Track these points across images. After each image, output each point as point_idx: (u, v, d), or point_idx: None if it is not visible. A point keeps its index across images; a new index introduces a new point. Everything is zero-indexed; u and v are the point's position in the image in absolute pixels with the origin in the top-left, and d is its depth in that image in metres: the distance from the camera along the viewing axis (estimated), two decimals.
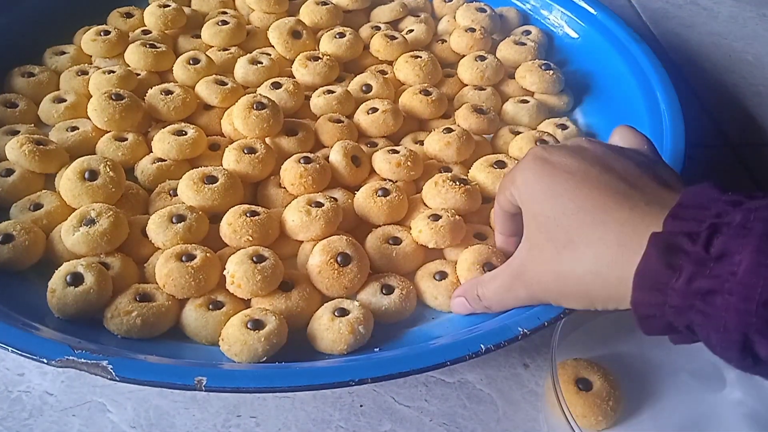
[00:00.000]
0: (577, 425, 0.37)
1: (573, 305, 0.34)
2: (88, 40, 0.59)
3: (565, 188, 0.33)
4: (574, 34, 0.68)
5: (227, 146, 0.50)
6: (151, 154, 0.51)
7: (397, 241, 0.46)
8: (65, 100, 0.54)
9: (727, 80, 0.76)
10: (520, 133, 0.56)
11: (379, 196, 0.47)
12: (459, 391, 0.44)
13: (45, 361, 0.34)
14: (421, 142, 0.55)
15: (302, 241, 0.46)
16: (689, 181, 0.32)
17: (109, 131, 0.52)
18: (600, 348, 0.45)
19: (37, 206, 0.46)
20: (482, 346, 0.37)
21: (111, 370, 0.34)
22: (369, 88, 0.59)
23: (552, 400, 0.39)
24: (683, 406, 0.43)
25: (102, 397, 0.42)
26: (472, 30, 0.64)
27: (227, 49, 0.61)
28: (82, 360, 0.34)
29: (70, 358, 0.34)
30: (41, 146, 0.48)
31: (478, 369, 0.45)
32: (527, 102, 0.59)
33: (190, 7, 0.67)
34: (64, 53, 0.60)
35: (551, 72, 0.61)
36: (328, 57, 0.59)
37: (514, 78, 0.62)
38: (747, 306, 0.25)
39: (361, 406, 0.43)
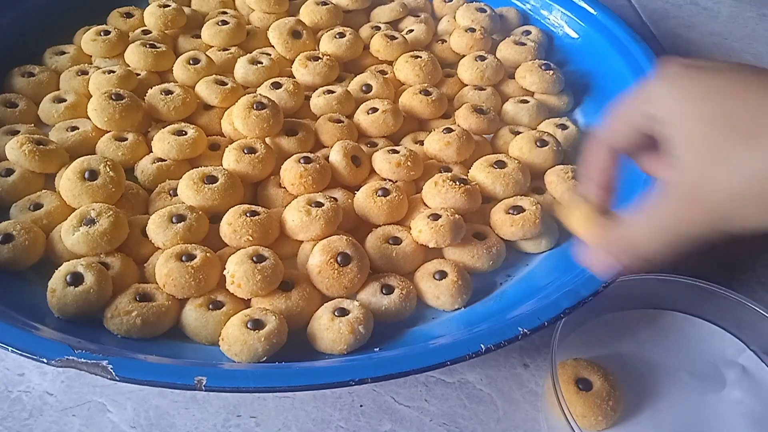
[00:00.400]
0: (577, 425, 0.37)
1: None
2: (88, 40, 0.59)
3: (727, 84, 0.29)
4: (574, 34, 0.68)
5: (227, 146, 0.50)
6: (151, 154, 0.51)
7: (397, 241, 0.46)
8: (65, 100, 0.54)
9: None
10: (520, 133, 0.56)
11: (379, 196, 0.47)
12: (459, 391, 0.44)
13: (45, 361, 0.34)
14: (421, 142, 0.54)
15: (302, 241, 0.46)
16: None
17: (109, 131, 0.52)
18: (600, 348, 0.45)
19: (37, 206, 0.46)
20: (482, 346, 0.37)
21: (111, 370, 0.34)
22: (369, 88, 0.59)
23: (552, 400, 0.39)
24: (683, 406, 0.43)
25: (102, 397, 0.42)
26: (472, 30, 0.64)
27: (227, 49, 0.61)
28: (82, 360, 0.34)
29: (70, 358, 0.34)
30: (41, 146, 0.48)
31: (478, 369, 0.45)
32: (527, 102, 0.59)
33: (190, 7, 0.67)
34: (64, 53, 0.60)
35: (551, 72, 0.61)
36: (328, 57, 0.59)
37: (514, 78, 0.62)
38: None
39: (361, 406, 0.43)
